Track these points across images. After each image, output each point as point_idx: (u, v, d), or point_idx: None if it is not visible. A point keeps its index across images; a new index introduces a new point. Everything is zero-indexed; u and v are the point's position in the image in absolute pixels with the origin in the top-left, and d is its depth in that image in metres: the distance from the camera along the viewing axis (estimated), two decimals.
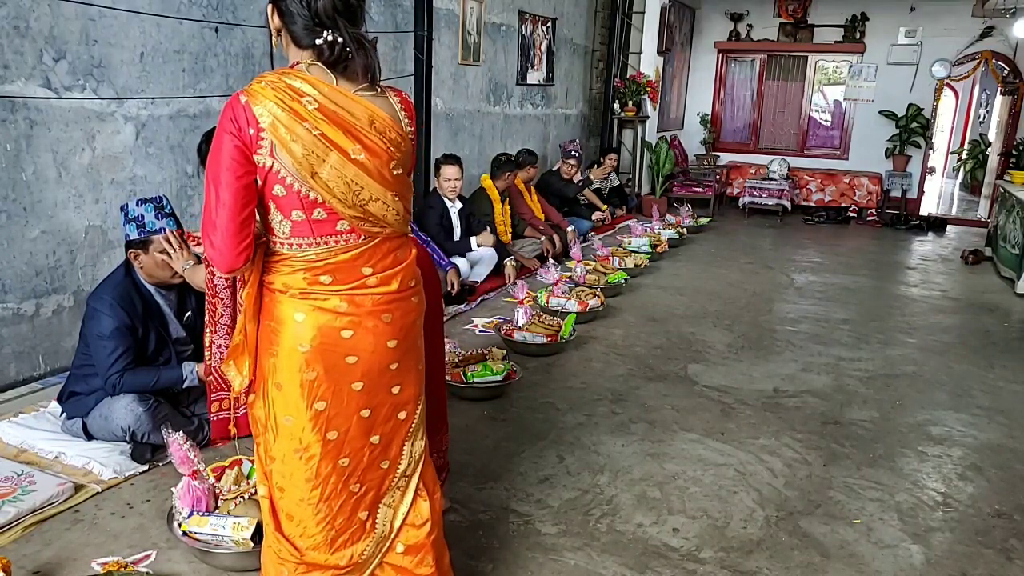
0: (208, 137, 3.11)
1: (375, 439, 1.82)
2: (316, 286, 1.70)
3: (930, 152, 11.04)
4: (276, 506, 1.83)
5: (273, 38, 1.73)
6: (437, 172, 5.49)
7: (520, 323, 4.43)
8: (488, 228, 5.82)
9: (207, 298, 2.85)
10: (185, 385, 3.00)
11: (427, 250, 2.75)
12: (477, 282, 5.53)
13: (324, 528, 1.80)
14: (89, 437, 2.96)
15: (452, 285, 5.11)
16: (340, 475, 1.79)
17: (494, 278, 5.70)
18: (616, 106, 9.49)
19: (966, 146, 14.82)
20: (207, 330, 2.87)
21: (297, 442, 1.75)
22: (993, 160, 11.58)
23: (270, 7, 1.70)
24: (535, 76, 8.12)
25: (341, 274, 1.71)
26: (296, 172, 1.62)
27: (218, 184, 1.61)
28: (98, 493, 2.70)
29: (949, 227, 9.86)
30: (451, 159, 5.47)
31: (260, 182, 1.64)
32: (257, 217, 1.71)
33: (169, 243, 2.85)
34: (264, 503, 1.85)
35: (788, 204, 9.90)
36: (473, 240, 5.61)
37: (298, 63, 1.69)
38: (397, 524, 1.90)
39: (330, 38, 1.64)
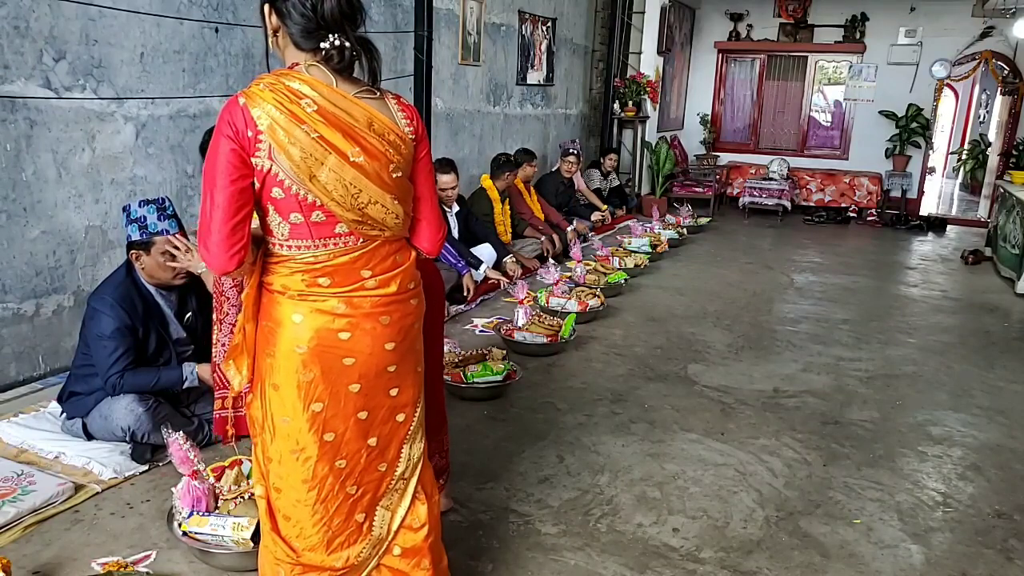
0: (209, 135, 3.11)
1: (372, 441, 1.81)
2: (314, 288, 1.70)
3: (930, 152, 11.04)
4: (273, 507, 1.83)
5: (269, 39, 1.71)
6: None
7: (520, 323, 4.43)
8: (491, 230, 5.83)
9: (215, 296, 2.86)
10: (185, 386, 3.00)
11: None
12: (477, 282, 5.53)
13: (320, 529, 1.80)
14: (89, 437, 2.97)
15: (468, 290, 5.11)
16: (337, 476, 1.78)
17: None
18: (616, 106, 9.48)
19: (966, 146, 14.82)
20: (214, 328, 2.88)
21: (294, 443, 1.75)
22: (993, 160, 11.57)
23: (266, 7, 1.67)
24: (535, 76, 8.12)
25: (340, 276, 1.71)
26: (294, 175, 1.61)
27: (213, 187, 1.60)
28: (98, 493, 2.70)
29: (949, 227, 9.86)
30: (446, 166, 5.15)
31: (258, 184, 1.63)
32: (256, 219, 1.70)
33: (176, 247, 2.85)
34: (261, 503, 1.85)
35: (788, 204, 9.90)
36: (477, 250, 5.62)
37: (297, 64, 1.67)
38: (394, 527, 1.89)
39: (337, 43, 1.62)
